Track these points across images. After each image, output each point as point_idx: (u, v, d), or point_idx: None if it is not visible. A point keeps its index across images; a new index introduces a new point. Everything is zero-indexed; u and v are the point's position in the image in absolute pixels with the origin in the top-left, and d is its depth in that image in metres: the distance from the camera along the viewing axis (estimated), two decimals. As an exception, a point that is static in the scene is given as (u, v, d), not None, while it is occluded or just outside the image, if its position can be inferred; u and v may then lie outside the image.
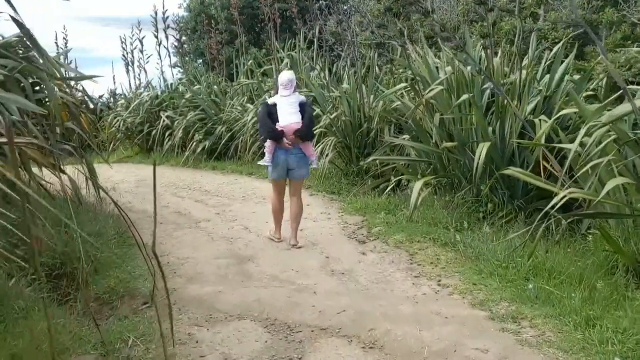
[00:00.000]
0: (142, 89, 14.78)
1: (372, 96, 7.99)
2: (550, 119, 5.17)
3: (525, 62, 5.92)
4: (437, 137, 6.02)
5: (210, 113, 11.59)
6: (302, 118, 5.08)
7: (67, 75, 6.70)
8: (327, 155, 7.77)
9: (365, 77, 8.36)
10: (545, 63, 6.33)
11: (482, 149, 5.11)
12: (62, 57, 14.27)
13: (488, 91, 5.97)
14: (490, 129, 5.55)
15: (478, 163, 5.08)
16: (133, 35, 14.98)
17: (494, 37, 6.20)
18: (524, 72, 5.61)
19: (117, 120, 13.69)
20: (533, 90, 5.81)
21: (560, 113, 5.03)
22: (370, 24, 8.61)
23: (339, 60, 10.52)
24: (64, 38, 15.10)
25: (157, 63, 14.27)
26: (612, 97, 4.35)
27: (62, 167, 5.44)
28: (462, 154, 5.72)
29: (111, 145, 13.78)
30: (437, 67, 6.69)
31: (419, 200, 5.47)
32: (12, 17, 3.34)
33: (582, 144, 4.27)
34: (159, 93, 13.77)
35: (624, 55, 5.94)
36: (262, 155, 5.35)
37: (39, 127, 5.24)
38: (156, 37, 14.12)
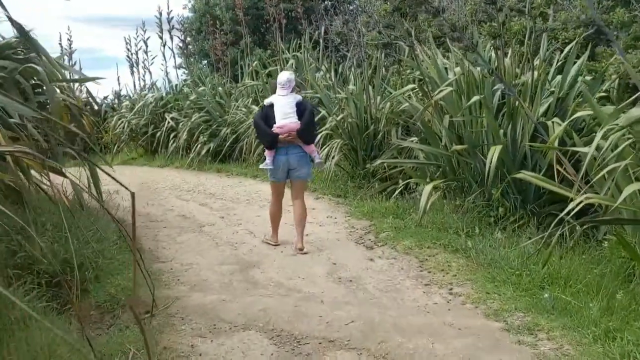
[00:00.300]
0: (147, 91, 14.71)
1: (379, 97, 7.86)
2: (563, 121, 5.02)
3: (536, 62, 5.77)
4: (447, 140, 5.88)
5: (215, 115, 11.48)
6: (300, 118, 5.01)
7: (70, 77, 6.60)
8: (333, 158, 7.63)
9: (371, 78, 8.22)
10: (556, 64, 6.19)
11: (494, 152, 4.96)
12: (65, 58, 14.23)
13: (499, 92, 5.83)
14: (501, 131, 5.41)
15: (490, 166, 4.94)
16: (138, 36, 14.94)
17: (504, 38, 6.05)
18: (535, 73, 5.47)
19: (122, 122, 13.64)
20: (545, 92, 5.67)
21: (575, 115, 4.88)
22: (377, 24, 8.47)
23: (345, 61, 10.40)
24: (68, 39, 15.05)
25: (162, 64, 14.23)
26: (630, 99, 4.20)
27: (63, 170, 5.35)
28: (472, 157, 5.57)
29: (115, 147, 13.71)
30: (445, 68, 6.54)
31: (428, 204, 5.33)
32: (8, 17, 3.22)
33: (597, 148, 4.13)
34: (164, 94, 13.70)
35: (637, 56, 5.79)
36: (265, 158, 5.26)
37: (39, 129, 5.14)
38: (161, 38, 14.06)
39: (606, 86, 5.82)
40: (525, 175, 4.79)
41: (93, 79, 5.54)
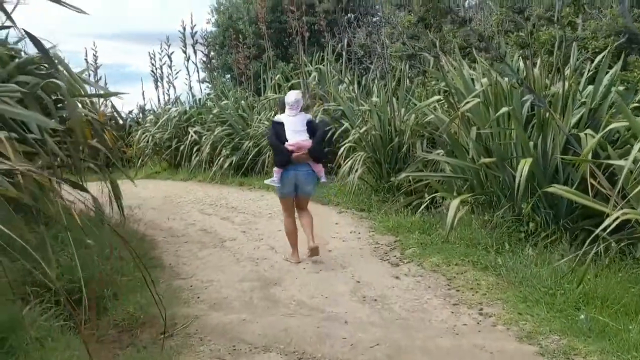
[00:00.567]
0: (171, 105, 14.79)
1: (403, 109, 7.71)
2: (596, 132, 4.82)
3: (566, 72, 5.58)
4: (474, 152, 5.70)
5: (238, 128, 11.46)
6: (312, 136, 5.14)
7: (93, 92, 6.60)
8: (356, 171, 7.48)
9: (395, 89, 8.08)
10: (587, 73, 5.98)
11: (524, 166, 4.78)
12: (91, 73, 14.39)
13: (527, 104, 5.65)
14: (531, 143, 5.21)
15: (520, 180, 4.75)
16: (162, 51, 15.05)
17: (533, 47, 5.87)
18: (566, 83, 5.28)
19: (146, 136, 13.71)
20: (576, 103, 5.46)
21: (610, 127, 4.66)
22: (401, 35, 8.34)
23: (368, 73, 10.29)
24: (93, 55, 15.22)
25: (186, 78, 14.33)
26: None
27: (84, 185, 5.31)
28: (501, 170, 5.38)
29: (139, 160, 13.77)
30: (472, 79, 6.38)
31: (455, 219, 5.15)
32: (26, 32, 3.19)
33: (634, 161, 3.93)
34: (187, 108, 13.75)
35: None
36: None
37: (60, 145, 5.11)
38: (184, 52, 14.13)
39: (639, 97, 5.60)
40: (557, 189, 4.59)
41: (115, 94, 5.52)
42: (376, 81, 9.20)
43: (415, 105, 7.60)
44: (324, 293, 4.32)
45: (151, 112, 15.48)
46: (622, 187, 4.04)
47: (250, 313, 3.95)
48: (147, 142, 13.59)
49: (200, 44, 14.34)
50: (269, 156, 10.05)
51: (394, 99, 7.71)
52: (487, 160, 5.39)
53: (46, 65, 5.29)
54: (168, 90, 15.32)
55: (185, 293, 4.42)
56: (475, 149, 5.68)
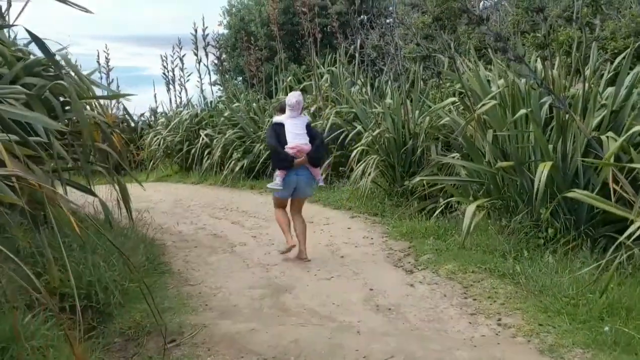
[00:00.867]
0: (182, 107, 14.74)
1: (417, 112, 7.56)
2: (618, 135, 4.65)
3: (586, 73, 5.40)
4: (491, 156, 5.53)
5: (249, 131, 11.36)
6: (311, 140, 5.25)
7: (103, 94, 6.53)
8: (369, 175, 7.32)
9: (409, 91, 7.93)
10: (607, 75, 5.80)
11: (544, 169, 4.61)
12: (103, 76, 14.38)
13: (545, 106, 5.48)
14: (550, 146, 5.05)
15: (539, 184, 4.58)
16: (174, 54, 15.01)
17: (552, 48, 5.70)
18: (586, 84, 5.10)
19: (157, 139, 13.66)
20: (597, 105, 5.28)
21: (633, 130, 4.49)
22: (415, 36, 8.20)
23: (381, 75, 10.14)
24: (105, 57, 15.22)
25: (197, 81, 14.21)
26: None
27: (92, 188, 5.22)
28: (519, 175, 5.22)
29: (151, 163, 13.73)
30: (488, 80, 6.22)
31: (472, 225, 4.99)
32: (28, 32, 3.10)
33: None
34: (199, 111, 13.69)
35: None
36: None
37: (67, 147, 5.02)
38: (196, 55, 14.07)
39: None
40: (578, 194, 4.42)
41: (123, 96, 5.43)
42: (389, 83, 9.06)
43: (430, 107, 7.44)
44: (335, 301, 4.18)
45: (163, 114, 15.45)
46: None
47: (259, 322, 3.81)
48: (159, 145, 13.54)
49: (212, 46, 14.28)
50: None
51: (408, 101, 7.57)
52: (505, 164, 5.22)
53: (53, 67, 5.22)
54: (180, 93, 15.29)
55: (193, 300, 4.30)
56: (492, 152, 5.52)
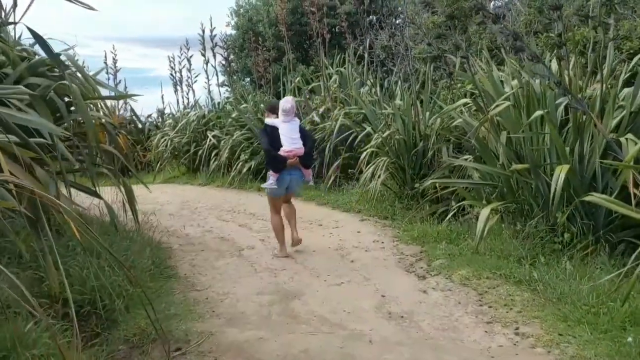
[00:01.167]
0: (190, 109, 14.67)
1: (427, 113, 7.42)
2: (637, 137, 4.50)
3: (604, 73, 5.24)
4: (504, 158, 5.38)
5: (257, 132, 11.24)
6: (304, 143, 5.48)
7: (109, 95, 6.43)
8: (379, 177, 7.18)
9: (419, 92, 7.80)
10: (624, 75, 5.64)
11: (561, 172, 4.46)
12: (110, 76, 14.33)
13: (561, 107, 5.33)
14: (567, 149, 4.90)
15: (556, 188, 4.44)
16: (181, 55, 14.95)
17: (567, 48, 5.54)
18: (603, 85, 4.95)
19: (165, 140, 13.60)
20: (615, 105, 5.13)
21: (654, 131, 4.34)
22: (426, 36, 8.06)
23: (391, 75, 10.01)
24: (113, 58, 15.18)
25: (205, 82, 14.14)
26: None
27: (97, 190, 5.12)
28: (534, 177, 5.07)
29: (158, 165, 13.66)
30: (501, 81, 6.07)
31: (486, 229, 4.85)
32: (30, 30, 3.00)
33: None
34: (206, 112, 13.62)
35: None
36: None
37: (73, 149, 4.93)
38: (204, 56, 14.00)
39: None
40: (597, 198, 4.28)
41: (129, 96, 5.34)
42: (399, 84, 8.93)
43: (441, 108, 7.30)
44: (346, 308, 4.05)
45: (170, 116, 15.39)
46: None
47: (268, 330, 3.69)
48: (166, 146, 13.47)
49: (220, 47, 14.20)
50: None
51: (419, 102, 7.43)
52: (520, 166, 5.08)
53: (57, 67, 5.13)
54: (187, 94, 15.23)
55: (200, 306, 4.18)
56: (506, 154, 5.37)
